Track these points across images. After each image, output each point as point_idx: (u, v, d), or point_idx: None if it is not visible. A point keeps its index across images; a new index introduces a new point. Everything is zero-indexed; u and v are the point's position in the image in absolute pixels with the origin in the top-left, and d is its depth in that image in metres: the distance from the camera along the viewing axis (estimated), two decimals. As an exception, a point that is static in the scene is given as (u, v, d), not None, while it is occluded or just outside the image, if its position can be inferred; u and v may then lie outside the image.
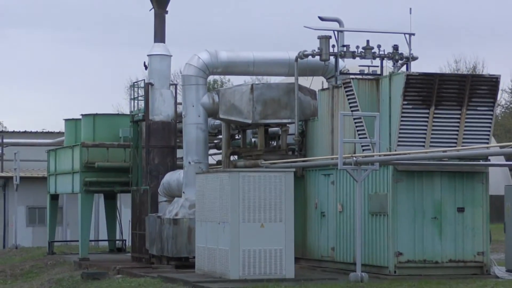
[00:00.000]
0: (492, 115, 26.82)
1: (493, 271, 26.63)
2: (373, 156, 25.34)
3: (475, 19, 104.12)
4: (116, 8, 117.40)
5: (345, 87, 27.79)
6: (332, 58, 30.26)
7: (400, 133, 26.09)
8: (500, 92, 32.08)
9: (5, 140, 55.88)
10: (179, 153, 33.85)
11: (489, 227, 27.02)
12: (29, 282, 34.72)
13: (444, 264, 26.33)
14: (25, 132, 60.67)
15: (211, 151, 35.55)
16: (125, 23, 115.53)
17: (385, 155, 25.41)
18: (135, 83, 37.08)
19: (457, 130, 26.43)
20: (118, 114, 46.15)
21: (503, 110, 72.89)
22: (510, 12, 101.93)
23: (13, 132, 62.26)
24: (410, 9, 29.30)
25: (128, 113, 38.09)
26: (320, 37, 30.01)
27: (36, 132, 60.10)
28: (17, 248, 46.86)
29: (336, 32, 30.40)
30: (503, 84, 70.25)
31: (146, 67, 34.36)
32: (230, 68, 32.31)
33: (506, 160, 33.36)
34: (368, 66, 30.31)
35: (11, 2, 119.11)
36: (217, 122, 33.35)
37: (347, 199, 27.77)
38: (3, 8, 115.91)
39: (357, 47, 30.06)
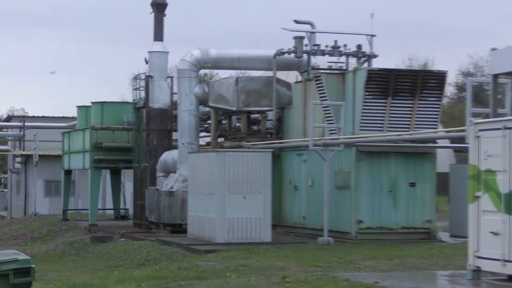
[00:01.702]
0: (440, 104, 26.85)
1: (439, 236, 26.71)
2: (339, 139, 25.34)
3: (426, 23, 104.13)
4: (122, 11, 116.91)
5: (316, 80, 27.76)
6: (305, 56, 30.23)
7: (362, 119, 26.09)
8: (447, 85, 32.04)
9: (26, 124, 55.73)
10: (174, 135, 33.81)
11: (436, 199, 27.09)
12: (46, 244, 34.64)
13: (398, 230, 26.38)
14: (43, 117, 60.47)
15: (202, 134, 35.50)
16: (130, 25, 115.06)
17: (349, 138, 25.42)
18: (137, 76, 37.00)
19: (410, 117, 26.44)
20: (122, 102, 45.97)
21: (449, 100, 72.94)
22: (456, 18, 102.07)
23: (33, 116, 62.10)
24: (372, 14, 29.35)
25: (131, 101, 38.03)
26: (295, 37, 29.97)
27: (53, 117, 59.87)
28: (36, 215, 46.77)
29: (308, 33, 30.37)
30: (449, 79, 70.31)
31: (146, 62, 34.24)
32: (218, 64, 32.22)
33: (451, 143, 33.37)
34: (336, 63, 30.33)
35: (33, 4, 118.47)
36: (207, 109, 33.28)
37: (317, 175, 27.78)
38: (25, 9, 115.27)
39: (327, 46, 30.05)
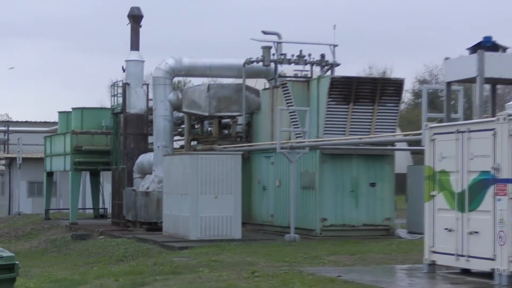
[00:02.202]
0: (397, 110, 27.01)
1: (397, 233, 26.84)
2: (304, 142, 25.40)
3: (385, 34, 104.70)
4: (101, 22, 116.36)
5: (282, 87, 27.80)
6: (272, 64, 30.27)
7: (325, 124, 26.17)
8: (404, 92, 32.27)
9: (10, 128, 55.26)
10: (150, 139, 33.70)
11: (394, 198, 27.23)
12: (29, 241, 34.37)
13: (359, 228, 26.48)
14: (26, 121, 59.97)
15: (176, 137, 35.42)
16: (108, 34, 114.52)
17: (313, 141, 25.49)
18: (115, 83, 36.85)
19: (370, 122, 26.57)
20: (101, 108, 45.65)
21: (406, 106, 73.33)
22: (412, 30, 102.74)
23: (17, 121, 61.52)
24: (334, 25, 29.47)
25: (109, 107, 37.83)
26: (263, 47, 30.00)
27: (35, 122, 59.42)
28: (20, 214, 46.40)
29: (275, 43, 30.42)
30: (406, 86, 70.81)
31: (123, 70, 34.09)
32: (191, 72, 32.20)
33: (408, 146, 33.55)
34: (301, 71, 30.39)
35: (17, 17, 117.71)
36: (181, 114, 33.22)
37: (284, 176, 27.81)
38: (9, 22, 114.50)
39: (292, 55, 30.13)
